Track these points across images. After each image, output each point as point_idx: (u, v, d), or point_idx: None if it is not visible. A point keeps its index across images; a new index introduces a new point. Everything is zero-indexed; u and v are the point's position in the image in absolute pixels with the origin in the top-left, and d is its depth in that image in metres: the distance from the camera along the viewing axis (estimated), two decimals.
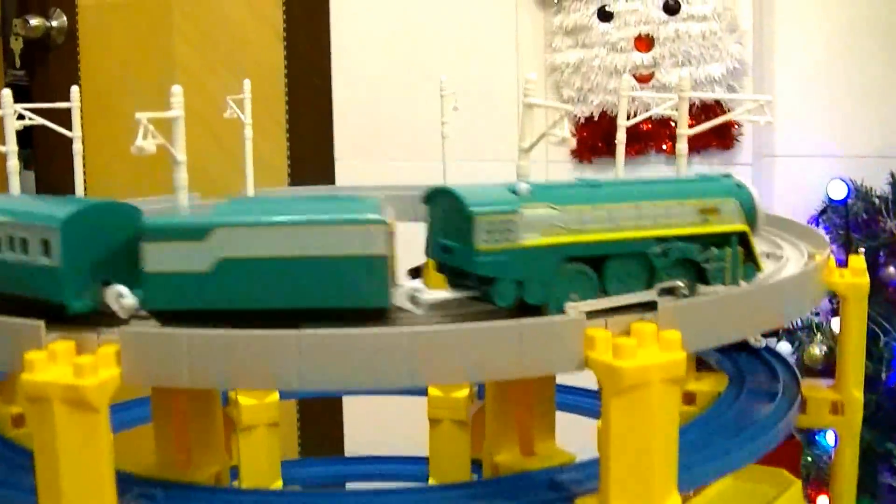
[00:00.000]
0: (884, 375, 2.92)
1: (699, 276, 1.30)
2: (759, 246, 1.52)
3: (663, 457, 1.17)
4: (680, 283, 1.28)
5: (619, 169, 1.78)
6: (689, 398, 1.64)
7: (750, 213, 1.36)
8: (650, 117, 1.88)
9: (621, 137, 1.78)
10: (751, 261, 1.34)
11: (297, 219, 1.19)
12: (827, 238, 1.60)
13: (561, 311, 1.21)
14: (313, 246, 1.18)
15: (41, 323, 1.18)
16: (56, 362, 1.15)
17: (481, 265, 1.19)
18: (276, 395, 2.10)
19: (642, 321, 1.19)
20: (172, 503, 1.28)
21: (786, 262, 1.52)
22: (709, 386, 1.66)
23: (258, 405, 2.06)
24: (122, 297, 1.20)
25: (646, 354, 1.14)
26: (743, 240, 1.33)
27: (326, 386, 1.14)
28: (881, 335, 2.93)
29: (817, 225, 3.09)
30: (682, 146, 1.58)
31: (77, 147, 1.83)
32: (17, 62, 4.30)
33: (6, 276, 1.25)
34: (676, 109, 1.60)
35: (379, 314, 1.20)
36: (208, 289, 1.18)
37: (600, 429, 1.17)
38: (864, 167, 3.13)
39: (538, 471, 1.38)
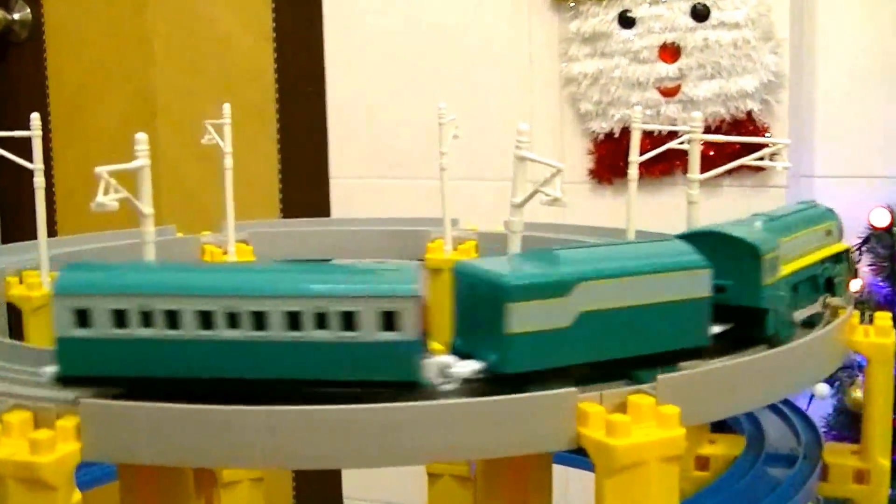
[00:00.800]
0: None
1: (829, 289, 1.60)
2: None
3: None
4: (836, 299, 1.59)
5: (632, 204, 1.83)
6: (701, 463, 1.69)
7: (841, 232, 1.70)
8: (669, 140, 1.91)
9: (633, 174, 1.83)
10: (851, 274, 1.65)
11: (647, 267, 1.31)
12: (860, 281, 1.67)
13: (791, 337, 1.45)
14: (658, 293, 1.31)
15: None
16: (11, 435, 1.19)
17: (764, 299, 1.41)
18: None
19: (640, 394, 1.23)
20: None
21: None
22: (724, 449, 1.70)
23: None
24: (448, 367, 1.25)
25: (641, 431, 1.19)
26: (847, 256, 1.66)
27: (291, 465, 1.19)
28: None
29: (860, 255, 3.13)
30: (695, 192, 1.62)
31: (39, 181, 1.87)
32: None
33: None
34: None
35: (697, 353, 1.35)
36: (568, 344, 1.26)
37: None
38: None
39: None
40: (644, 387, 1.24)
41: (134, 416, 1.19)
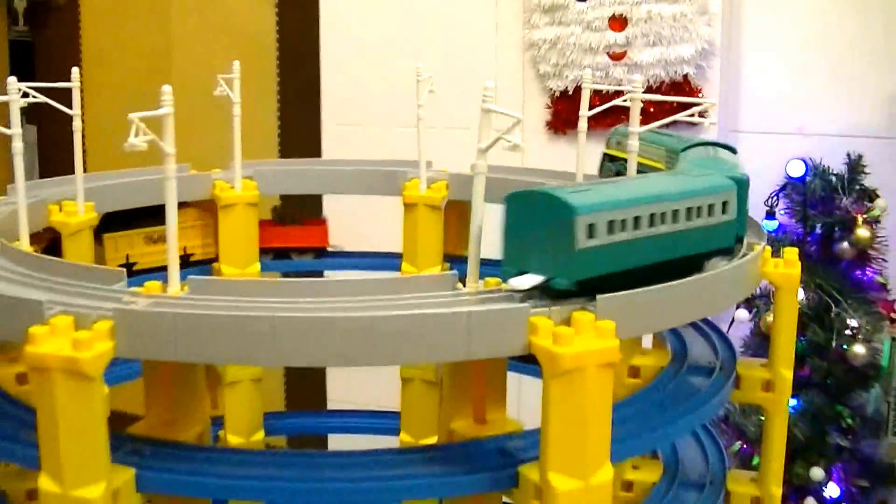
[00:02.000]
0: (833, 343, 3.03)
1: None
2: None
3: (597, 433, 1.28)
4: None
5: (581, 152, 1.89)
6: (634, 371, 1.74)
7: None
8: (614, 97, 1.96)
9: (583, 126, 1.88)
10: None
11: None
12: (764, 229, 1.69)
13: None
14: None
15: (42, 298, 1.28)
16: (56, 336, 1.25)
17: None
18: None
19: (583, 310, 1.29)
20: (158, 459, 1.38)
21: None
22: (653, 361, 1.76)
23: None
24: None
25: (582, 341, 1.25)
26: None
27: (297, 362, 1.25)
28: (833, 305, 3.03)
29: (778, 200, 3.19)
30: (634, 143, 1.67)
31: (77, 124, 1.92)
32: (21, 20, 4.39)
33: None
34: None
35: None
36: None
37: (542, 407, 1.28)
38: (824, 146, 3.22)
39: (489, 438, 1.48)
40: (586, 304, 1.30)
41: (158, 321, 1.25)
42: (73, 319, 1.28)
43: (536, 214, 1.34)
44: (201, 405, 1.57)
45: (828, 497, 3.14)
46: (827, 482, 3.14)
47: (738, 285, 1.54)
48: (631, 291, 1.34)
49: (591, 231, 1.31)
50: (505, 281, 1.36)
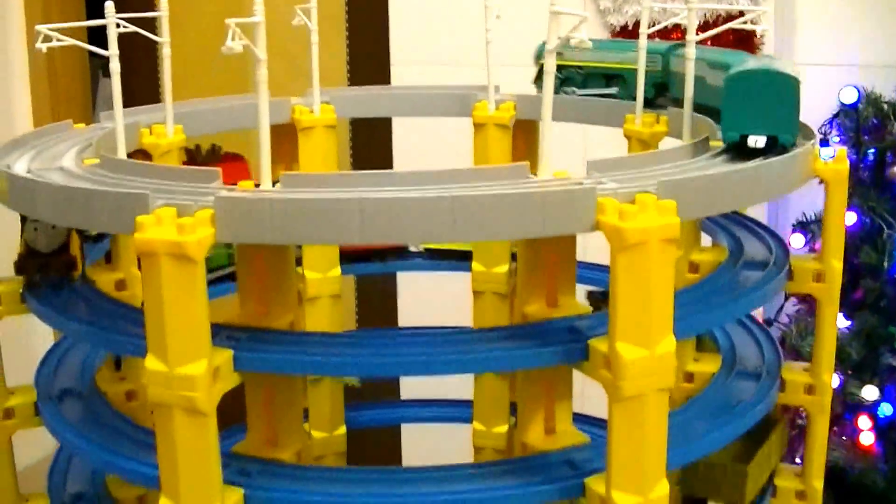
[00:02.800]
0: (886, 265, 3.08)
1: None
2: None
3: (660, 303, 1.36)
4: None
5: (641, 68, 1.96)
6: (694, 267, 1.86)
7: None
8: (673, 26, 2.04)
9: (642, 44, 1.96)
10: None
11: None
12: (817, 132, 1.76)
13: None
14: None
15: (148, 192, 1.38)
16: (162, 224, 1.35)
17: None
18: (338, 270, 2.31)
19: (644, 192, 1.37)
20: (252, 343, 1.48)
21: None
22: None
23: (322, 278, 2.28)
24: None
25: (646, 218, 1.33)
26: None
27: (382, 239, 1.34)
28: (885, 228, 3.09)
29: (831, 128, 3.24)
30: (691, 51, 1.74)
31: (166, 51, 2.01)
32: None
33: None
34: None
35: None
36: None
37: (610, 281, 1.37)
38: (877, 77, 3.26)
39: (560, 319, 1.58)
40: (648, 186, 1.39)
41: (255, 206, 1.35)
42: (176, 210, 1.37)
43: (762, 87, 1.59)
44: (292, 296, 1.67)
45: (881, 416, 3.20)
46: (880, 401, 3.20)
47: (788, 175, 1.61)
48: (691, 177, 1.43)
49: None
50: (727, 143, 1.62)
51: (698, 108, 1.85)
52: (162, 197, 1.40)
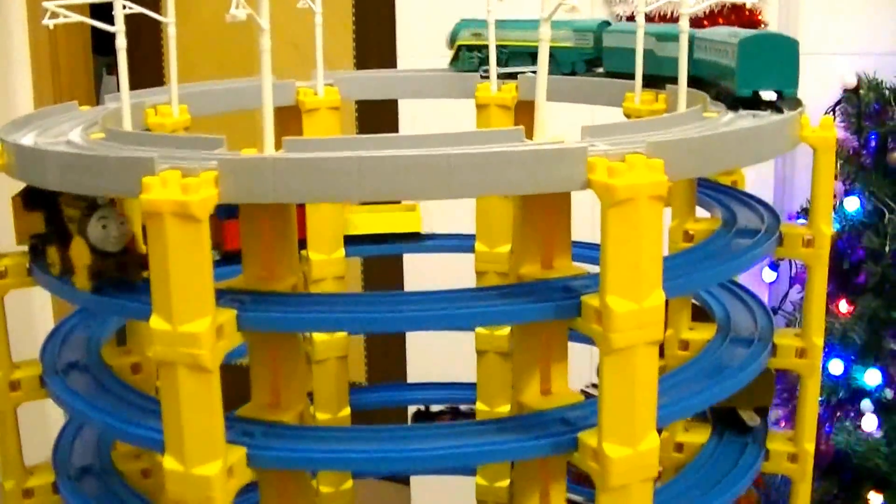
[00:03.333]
0: (888, 249, 3.12)
1: None
2: (748, 109, 1.78)
3: (649, 259, 1.40)
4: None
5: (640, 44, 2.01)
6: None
7: None
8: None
9: (641, 21, 2.00)
10: None
11: None
12: (802, 102, 1.81)
13: None
14: None
15: (154, 155, 1.43)
16: (167, 186, 1.39)
17: None
18: (342, 252, 2.37)
19: (634, 152, 1.42)
20: (256, 305, 1.53)
21: (767, 116, 1.74)
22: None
23: (326, 260, 2.34)
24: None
25: (634, 175, 1.37)
26: None
27: (380, 197, 1.39)
28: (887, 213, 3.13)
29: (834, 114, 3.29)
30: (684, 24, 1.79)
31: (172, 31, 2.05)
32: None
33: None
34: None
35: None
36: None
37: (601, 238, 1.41)
38: (879, 64, 3.30)
39: (555, 279, 1.62)
40: (637, 147, 1.43)
41: (258, 166, 1.40)
42: (181, 172, 1.41)
43: (770, 49, 1.79)
44: (294, 260, 1.72)
45: (884, 400, 3.24)
46: (882, 386, 3.24)
47: (775, 139, 1.67)
48: (678, 139, 1.48)
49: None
50: (741, 96, 1.77)
51: (651, 78, 2.01)
52: (167, 161, 1.44)
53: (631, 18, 3.54)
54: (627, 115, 2.09)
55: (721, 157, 1.55)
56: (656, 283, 1.42)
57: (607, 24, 2.27)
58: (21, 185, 1.74)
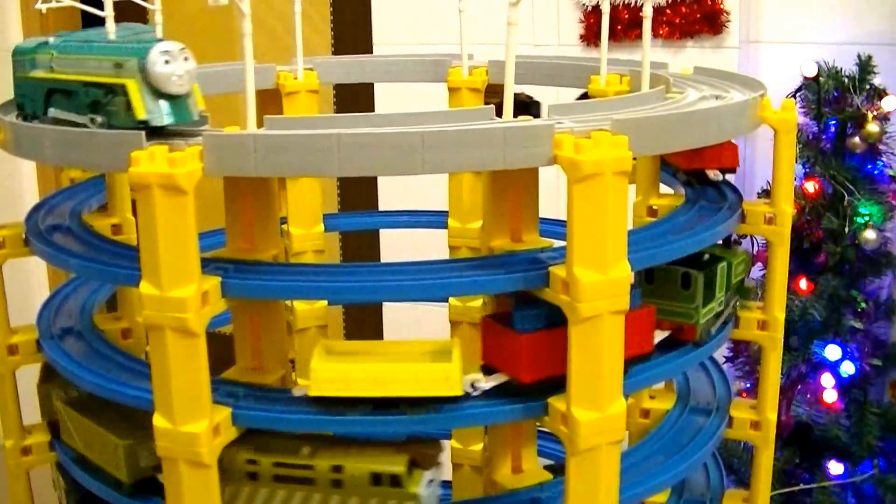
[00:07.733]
0: (847, 230, 3.17)
1: None
2: (711, 91, 1.81)
3: (614, 232, 1.44)
4: None
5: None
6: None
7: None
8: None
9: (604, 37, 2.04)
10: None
11: None
12: (764, 85, 1.83)
13: None
14: None
15: (143, 133, 1.47)
16: (154, 159, 1.43)
17: None
18: (321, 227, 2.41)
19: (600, 130, 1.46)
20: (239, 273, 1.56)
21: (731, 98, 1.78)
22: (668, 202, 1.98)
23: (305, 234, 2.38)
24: None
25: (600, 151, 1.41)
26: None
27: (357, 172, 1.43)
28: (845, 195, 3.18)
29: (795, 101, 3.33)
30: (648, 9, 1.82)
31: (158, 18, 2.08)
32: None
33: None
34: None
35: None
36: None
37: (567, 212, 1.45)
38: (838, 53, 3.35)
39: (524, 251, 1.67)
40: (602, 124, 1.48)
41: (240, 141, 1.44)
42: (168, 147, 1.46)
43: None
44: (275, 231, 1.77)
45: (843, 375, 3.29)
46: (842, 360, 3.29)
47: (736, 119, 1.70)
48: (642, 116, 1.53)
49: None
50: None
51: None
52: (155, 138, 1.49)
53: (596, 8, 3.58)
54: (593, 97, 2.13)
55: (683, 135, 1.59)
56: (621, 255, 1.46)
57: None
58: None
